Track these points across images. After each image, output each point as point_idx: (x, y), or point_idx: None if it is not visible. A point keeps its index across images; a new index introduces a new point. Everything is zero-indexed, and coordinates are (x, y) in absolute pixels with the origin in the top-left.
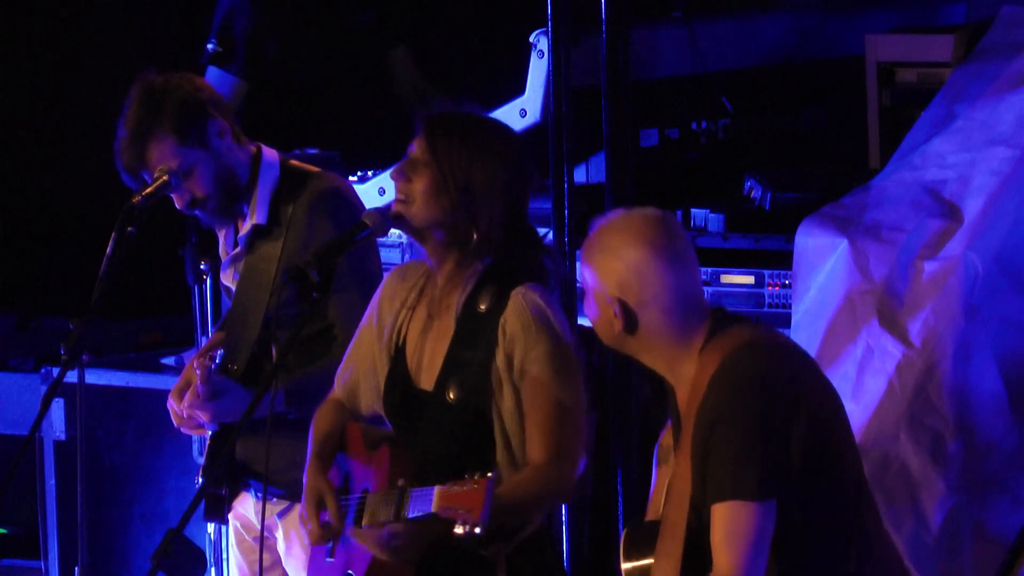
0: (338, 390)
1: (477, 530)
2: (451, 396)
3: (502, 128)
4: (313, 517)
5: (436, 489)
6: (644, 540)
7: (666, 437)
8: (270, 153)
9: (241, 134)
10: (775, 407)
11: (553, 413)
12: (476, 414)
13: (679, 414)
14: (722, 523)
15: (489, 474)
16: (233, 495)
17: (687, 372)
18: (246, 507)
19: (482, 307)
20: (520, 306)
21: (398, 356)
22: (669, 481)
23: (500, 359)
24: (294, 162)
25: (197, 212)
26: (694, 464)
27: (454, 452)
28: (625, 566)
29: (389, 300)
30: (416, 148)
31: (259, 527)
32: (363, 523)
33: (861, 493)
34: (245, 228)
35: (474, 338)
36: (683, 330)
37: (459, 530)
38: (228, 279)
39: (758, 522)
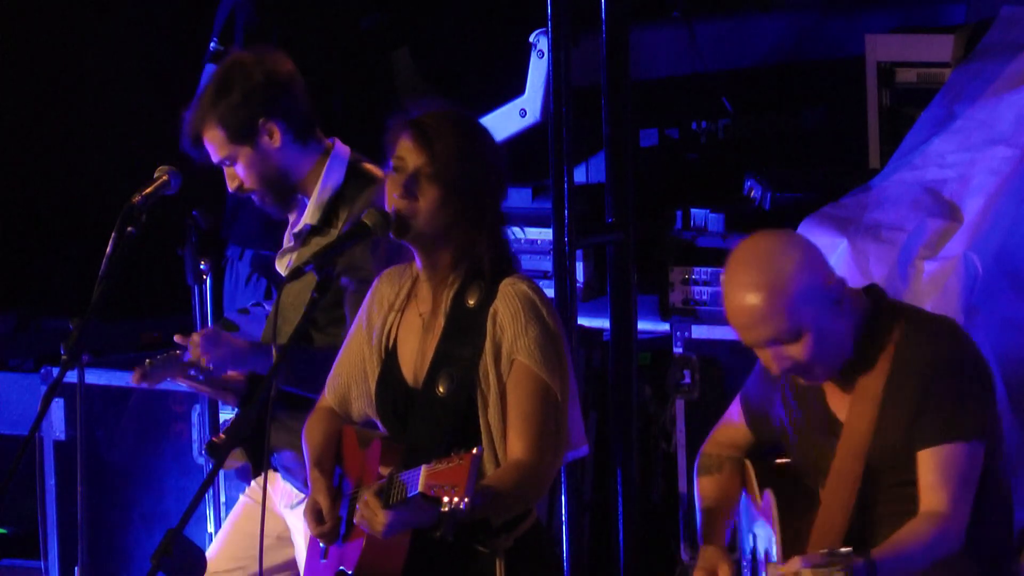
0: (329, 397)
1: (462, 506)
2: (441, 390)
3: (481, 124)
4: (311, 525)
5: (423, 468)
6: (796, 502)
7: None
8: (342, 151)
9: (310, 132)
10: (984, 361)
11: (538, 402)
12: (467, 407)
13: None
14: (935, 465)
15: (474, 450)
16: (257, 470)
17: (849, 343)
18: (271, 487)
19: (471, 302)
20: (510, 295)
21: (389, 358)
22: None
23: (489, 349)
24: (367, 165)
25: (252, 196)
26: (896, 416)
27: (444, 446)
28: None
29: (378, 304)
30: (412, 158)
31: (278, 511)
32: (355, 519)
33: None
34: (299, 226)
35: (464, 333)
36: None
37: (445, 508)
38: (283, 268)
39: (970, 461)
